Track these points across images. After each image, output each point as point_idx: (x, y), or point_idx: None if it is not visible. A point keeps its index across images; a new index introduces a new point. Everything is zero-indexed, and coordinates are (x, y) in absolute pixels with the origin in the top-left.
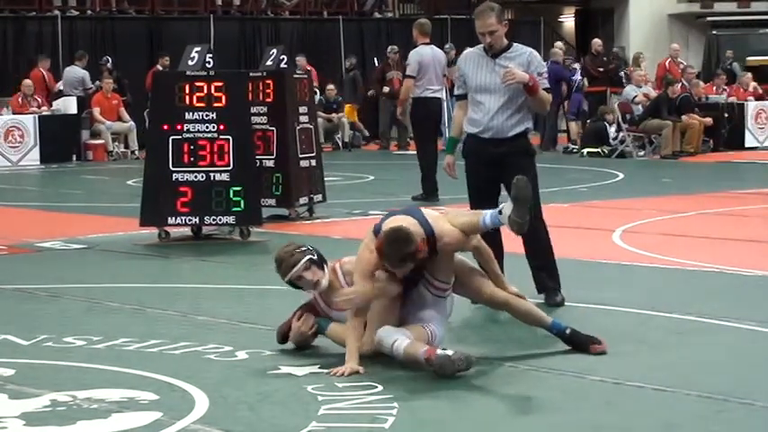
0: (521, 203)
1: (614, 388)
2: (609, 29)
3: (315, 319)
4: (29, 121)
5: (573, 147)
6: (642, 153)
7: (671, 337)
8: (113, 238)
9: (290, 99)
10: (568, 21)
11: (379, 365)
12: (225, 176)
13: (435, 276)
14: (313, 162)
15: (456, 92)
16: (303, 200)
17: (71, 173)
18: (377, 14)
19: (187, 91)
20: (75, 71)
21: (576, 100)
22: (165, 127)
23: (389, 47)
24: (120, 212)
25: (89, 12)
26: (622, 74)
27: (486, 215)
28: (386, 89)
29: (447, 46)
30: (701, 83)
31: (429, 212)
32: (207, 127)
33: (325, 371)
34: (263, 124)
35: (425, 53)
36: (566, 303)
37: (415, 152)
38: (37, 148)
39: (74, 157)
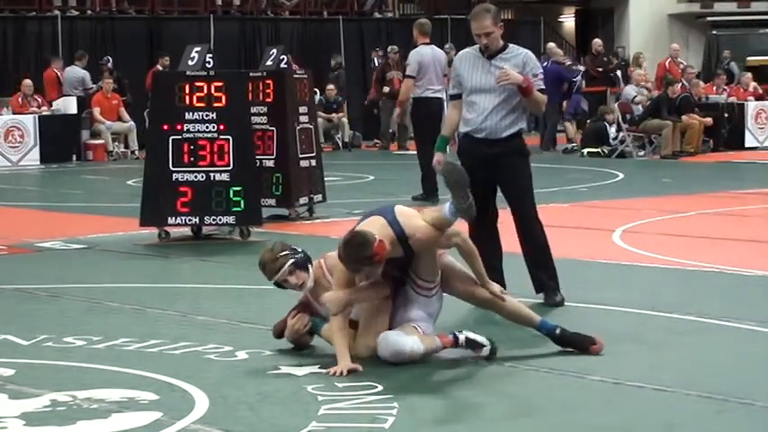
0: (454, 187)
1: (614, 388)
2: (609, 29)
3: (309, 318)
4: (29, 121)
5: (571, 146)
6: (642, 153)
7: (671, 337)
8: (113, 238)
9: (290, 99)
10: (568, 21)
11: (379, 365)
12: (225, 176)
13: (419, 275)
14: (313, 162)
15: (450, 91)
16: (303, 200)
17: (71, 173)
18: (377, 14)
19: (187, 91)
20: (75, 71)
21: (574, 100)
22: (165, 127)
23: (389, 47)
24: (120, 212)
25: (89, 12)
26: (618, 73)
27: (446, 207)
28: (386, 89)
29: (447, 46)
30: (701, 83)
31: (402, 210)
32: (207, 127)
33: (325, 371)
34: (263, 124)
35: (425, 53)
36: (566, 303)
37: (415, 152)
38: (37, 148)
39: (74, 157)
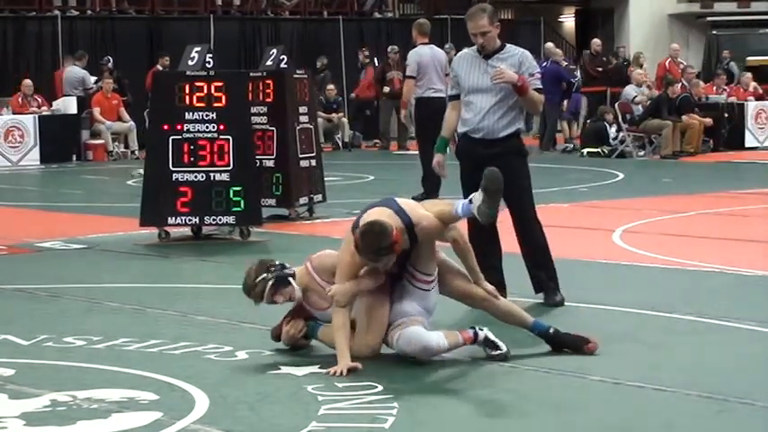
0: (491, 195)
1: (614, 388)
2: (609, 29)
3: (304, 323)
4: (29, 121)
5: (568, 146)
6: (642, 153)
7: (671, 337)
8: (113, 238)
9: (290, 99)
10: (568, 21)
11: (379, 365)
12: (225, 176)
13: (417, 268)
14: (313, 162)
15: (449, 92)
16: (303, 200)
17: (71, 173)
18: (377, 14)
19: (187, 91)
20: (76, 71)
21: (575, 100)
22: (165, 127)
23: (390, 47)
24: (120, 212)
25: (89, 12)
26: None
27: (459, 205)
28: (386, 89)
29: (447, 46)
30: (701, 83)
31: (405, 201)
32: (207, 127)
33: (325, 371)
34: (263, 124)
35: (424, 53)
36: (565, 303)
37: (414, 152)
38: (37, 148)
39: (74, 157)
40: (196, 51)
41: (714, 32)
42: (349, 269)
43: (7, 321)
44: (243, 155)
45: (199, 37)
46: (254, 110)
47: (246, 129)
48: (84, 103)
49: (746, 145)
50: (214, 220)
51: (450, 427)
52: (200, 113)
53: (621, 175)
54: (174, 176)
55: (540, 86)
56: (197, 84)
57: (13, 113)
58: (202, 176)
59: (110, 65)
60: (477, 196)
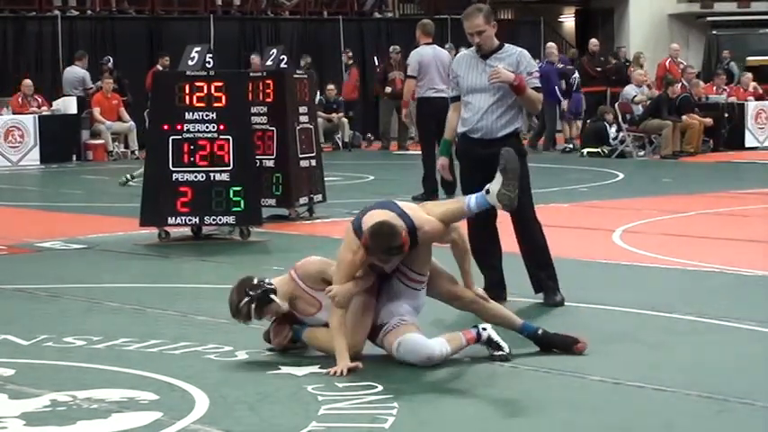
0: (510, 175)
1: (614, 388)
2: (609, 29)
3: (289, 328)
4: (29, 121)
5: (568, 146)
6: (642, 153)
7: (671, 337)
8: (113, 238)
9: (290, 99)
10: (568, 21)
11: (379, 365)
12: (225, 176)
13: (411, 268)
14: (313, 162)
15: (450, 93)
16: (303, 200)
17: (71, 173)
18: (377, 14)
19: (187, 91)
20: (75, 71)
21: (576, 100)
22: (165, 127)
23: (392, 47)
24: (120, 212)
25: (89, 12)
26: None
27: (471, 199)
28: (388, 89)
29: (447, 46)
30: (701, 83)
31: (406, 204)
32: (207, 127)
33: (325, 371)
34: (263, 124)
35: (426, 53)
36: (565, 303)
37: (415, 152)
38: (37, 148)
39: (74, 157)
40: (196, 51)
41: (714, 32)
42: (350, 269)
43: (7, 321)
44: (243, 155)
45: (199, 37)
46: (254, 110)
47: (246, 129)
48: (84, 103)
49: (746, 145)
50: (214, 220)
51: (451, 428)
52: (200, 113)
53: (621, 175)
54: (174, 176)
55: (539, 85)
56: (197, 84)
57: (13, 113)
58: (202, 176)
59: (109, 65)
60: (495, 183)
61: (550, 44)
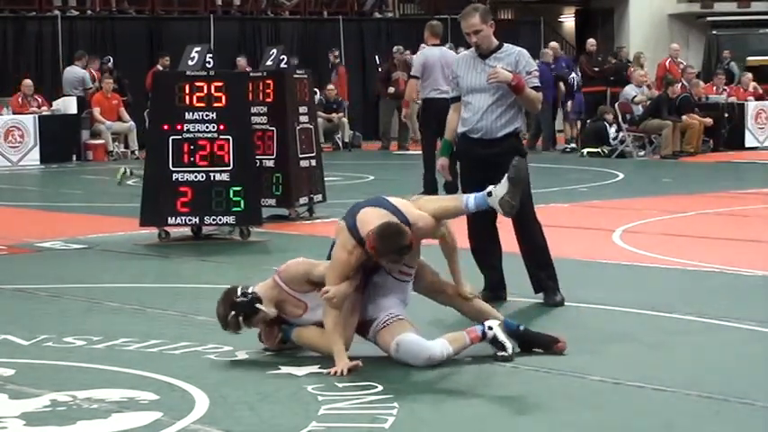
0: (517, 186)
1: (614, 388)
2: (609, 29)
3: (277, 329)
4: (29, 121)
5: (568, 147)
6: (642, 153)
7: (671, 337)
8: (113, 238)
9: (290, 99)
10: (568, 21)
11: (379, 365)
12: (225, 176)
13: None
14: (313, 162)
15: (450, 94)
16: (303, 200)
17: (71, 173)
18: (377, 14)
19: (187, 91)
20: (75, 71)
21: (578, 100)
22: (165, 127)
23: (395, 47)
24: (120, 212)
25: (89, 12)
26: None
27: (470, 198)
28: (391, 89)
29: (447, 46)
30: (701, 83)
31: (398, 201)
32: (207, 127)
33: (326, 371)
34: (263, 124)
35: (431, 54)
36: (565, 303)
37: (415, 152)
38: (37, 148)
39: (74, 157)
40: (196, 51)
41: (714, 32)
42: (345, 269)
43: (7, 321)
44: (243, 155)
45: (199, 37)
46: (254, 110)
47: (246, 129)
48: (84, 103)
49: (746, 145)
50: (214, 220)
51: (450, 427)
52: (200, 113)
53: (621, 175)
54: (174, 176)
55: (538, 84)
56: (197, 84)
57: (13, 113)
58: (202, 176)
59: (109, 65)
60: (500, 188)
61: (553, 44)
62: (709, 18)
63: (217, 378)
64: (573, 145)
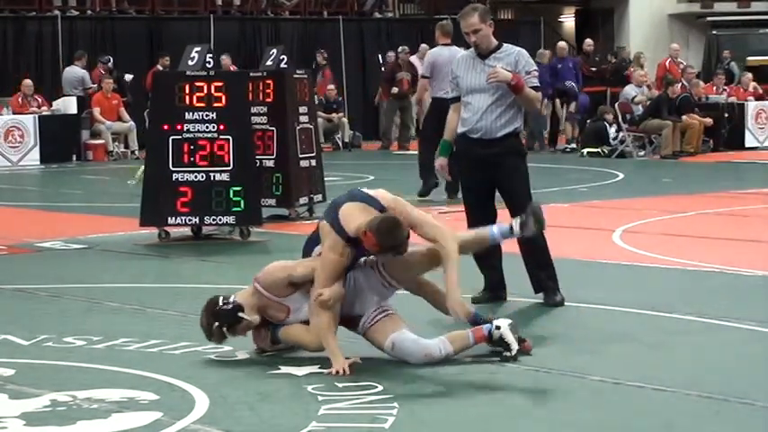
0: (537, 223)
1: (614, 388)
2: (609, 29)
3: (265, 331)
4: (29, 121)
5: (568, 147)
6: (642, 153)
7: (671, 337)
8: (113, 238)
9: (290, 99)
10: (568, 21)
11: (379, 365)
12: (225, 176)
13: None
14: (313, 162)
15: (450, 94)
16: (303, 200)
17: (71, 173)
18: (377, 14)
19: (187, 91)
20: (75, 71)
21: (582, 101)
22: (165, 127)
23: (400, 47)
24: (120, 212)
25: (89, 12)
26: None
27: (494, 230)
28: (394, 90)
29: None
30: (701, 83)
31: (369, 190)
32: (207, 127)
33: (326, 371)
34: (263, 124)
35: (441, 54)
36: (565, 303)
37: (415, 152)
38: (37, 148)
39: (74, 157)
40: (196, 51)
41: (714, 32)
42: (337, 270)
43: (7, 321)
44: (243, 155)
45: (199, 37)
46: (254, 110)
47: (246, 129)
48: (84, 103)
49: (746, 145)
50: (214, 220)
51: (451, 428)
52: (200, 113)
53: (621, 175)
54: (174, 176)
55: (538, 84)
56: (197, 84)
57: (13, 113)
58: (202, 176)
59: (110, 65)
60: (515, 226)
61: (561, 44)
62: (709, 18)
63: (217, 378)
64: (573, 145)
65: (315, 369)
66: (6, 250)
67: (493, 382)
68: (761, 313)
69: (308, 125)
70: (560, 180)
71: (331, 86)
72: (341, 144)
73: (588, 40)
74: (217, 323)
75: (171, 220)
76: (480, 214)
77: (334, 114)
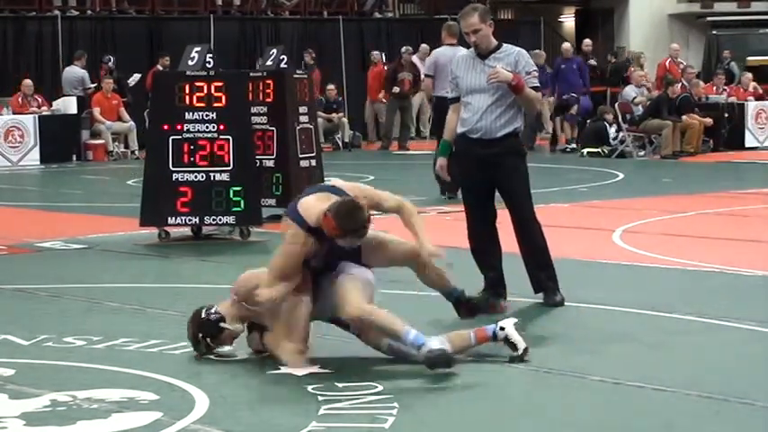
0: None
1: (614, 388)
2: (609, 29)
3: (257, 333)
4: (29, 121)
5: (568, 147)
6: (642, 153)
7: (671, 337)
8: (113, 238)
9: (290, 99)
10: (568, 21)
11: (380, 365)
12: (225, 176)
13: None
14: (313, 162)
15: (449, 95)
16: None
17: (71, 173)
18: (377, 14)
19: (187, 91)
20: (75, 71)
21: (585, 105)
22: (165, 127)
23: (403, 47)
24: (120, 212)
25: (89, 12)
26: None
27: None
28: (396, 89)
29: None
30: (701, 83)
31: (333, 180)
32: (207, 127)
33: (326, 371)
34: (263, 124)
35: (444, 53)
36: (565, 303)
37: (415, 152)
38: (37, 148)
39: (74, 157)
40: (196, 51)
41: (714, 32)
42: (296, 261)
43: (7, 321)
44: (243, 155)
45: (199, 37)
46: (254, 110)
47: (246, 129)
48: (84, 103)
49: (746, 145)
50: (214, 220)
51: (451, 428)
52: (200, 113)
53: (621, 175)
54: (174, 176)
55: (538, 84)
56: (197, 84)
57: (13, 113)
58: (202, 176)
59: (110, 64)
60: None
61: (566, 45)
62: (709, 18)
63: (217, 378)
64: (573, 145)
65: (315, 369)
66: (6, 250)
67: (493, 382)
68: (761, 313)
69: (308, 125)
70: (560, 180)
71: (331, 86)
72: (341, 144)
73: (587, 41)
74: (199, 337)
75: (171, 220)
76: (480, 214)
77: (334, 114)
